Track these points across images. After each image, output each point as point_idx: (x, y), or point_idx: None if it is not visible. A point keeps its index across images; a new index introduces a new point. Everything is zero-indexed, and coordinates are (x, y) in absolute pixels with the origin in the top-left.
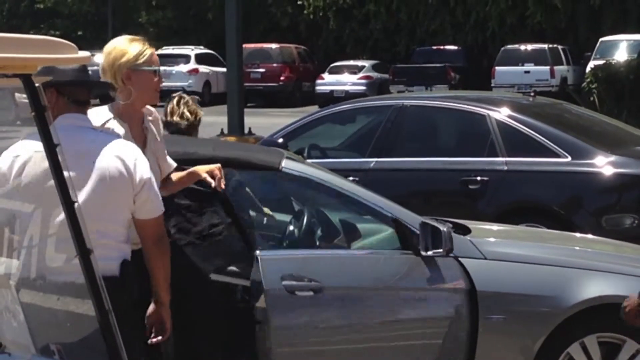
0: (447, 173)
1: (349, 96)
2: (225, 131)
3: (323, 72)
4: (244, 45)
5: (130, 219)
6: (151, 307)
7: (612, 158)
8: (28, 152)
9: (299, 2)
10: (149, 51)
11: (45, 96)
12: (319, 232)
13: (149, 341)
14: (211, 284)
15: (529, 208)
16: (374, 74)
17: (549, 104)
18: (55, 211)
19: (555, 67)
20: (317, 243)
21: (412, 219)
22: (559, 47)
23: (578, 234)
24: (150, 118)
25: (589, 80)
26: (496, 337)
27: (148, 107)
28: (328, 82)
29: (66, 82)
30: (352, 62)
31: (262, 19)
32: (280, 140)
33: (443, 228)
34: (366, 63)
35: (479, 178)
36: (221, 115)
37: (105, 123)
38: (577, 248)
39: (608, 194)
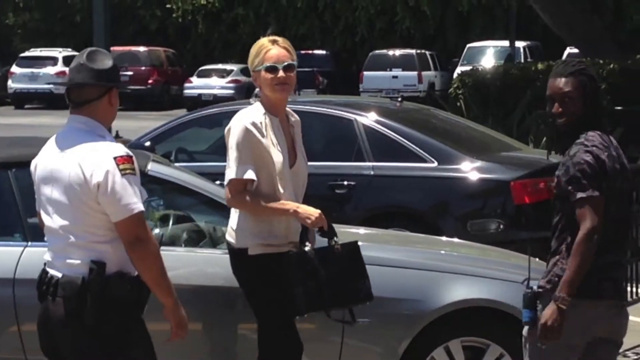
0: (314, 177)
1: (217, 100)
2: None
3: (191, 75)
4: (112, 48)
5: (109, 219)
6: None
7: (478, 163)
8: (38, 159)
9: (168, 6)
10: (265, 49)
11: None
12: (184, 235)
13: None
14: None
15: (395, 212)
16: (243, 78)
17: (416, 109)
18: (45, 209)
19: (423, 73)
20: (183, 245)
21: None
22: (427, 52)
23: (444, 238)
24: (293, 119)
25: (455, 86)
26: (360, 341)
27: (289, 109)
28: (196, 85)
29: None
30: (220, 66)
31: (131, 21)
32: (148, 143)
33: None
34: (234, 67)
35: (346, 182)
36: None
37: (256, 114)
38: (443, 252)
39: (473, 199)
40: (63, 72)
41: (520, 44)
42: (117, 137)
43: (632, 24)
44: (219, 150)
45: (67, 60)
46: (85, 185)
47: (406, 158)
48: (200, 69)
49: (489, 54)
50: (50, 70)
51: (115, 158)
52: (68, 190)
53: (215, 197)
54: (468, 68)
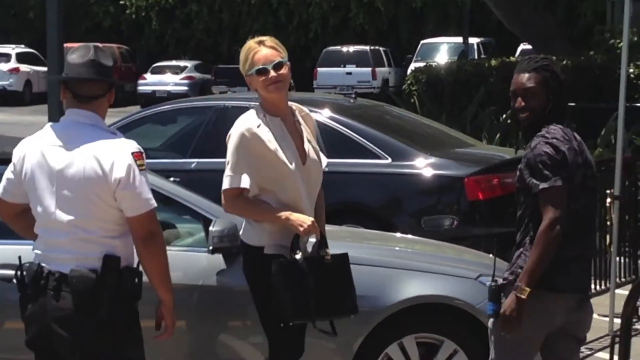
0: None
1: (171, 96)
2: None
3: (145, 72)
4: (65, 45)
5: (122, 215)
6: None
7: (432, 160)
8: (27, 148)
9: (121, 2)
10: (252, 52)
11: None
12: None
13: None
14: None
15: (349, 209)
16: (197, 75)
17: (370, 105)
18: (44, 202)
19: (377, 69)
20: None
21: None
22: (381, 49)
23: (398, 234)
24: (302, 113)
25: (409, 82)
26: (315, 337)
27: (297, 105)
28: (150, 82)
29: (67, 78)
30: (174, 63)
31: (84, 18)
32: None
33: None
34: (188, 63)
35: None
36: (42, 114)
37: (252, 119)
38: (397, 248)
39: (427, 196)
40: (16, 69)
41: (473, 41)
42: None
43: (584, 21)
44: (173, 147)
45: (20, 57)
46: (103, 179)
47: (360, 154)
48: (154, 65)
49: (442, 51)
50: (4, 66)
51: (132, 154)
52: (81, 184)
53: (170, 194)
54: (422, 64)
